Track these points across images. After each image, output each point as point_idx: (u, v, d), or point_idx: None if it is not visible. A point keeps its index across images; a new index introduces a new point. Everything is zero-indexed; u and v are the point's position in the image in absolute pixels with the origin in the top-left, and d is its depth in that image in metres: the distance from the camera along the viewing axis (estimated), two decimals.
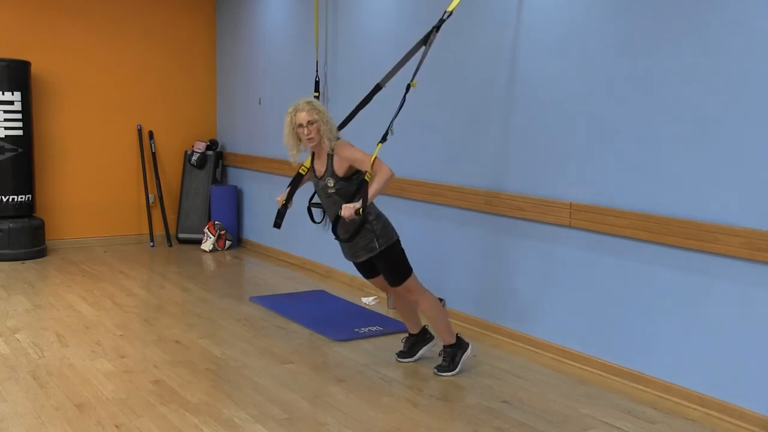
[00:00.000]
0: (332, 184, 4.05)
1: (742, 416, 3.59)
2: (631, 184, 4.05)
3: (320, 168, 4.13)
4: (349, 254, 4.24)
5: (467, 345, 4.32)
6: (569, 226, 4.40)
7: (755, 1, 3.46)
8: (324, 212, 6.51)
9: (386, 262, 4.16)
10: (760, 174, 3.47)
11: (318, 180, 4.15)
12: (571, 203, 4.37)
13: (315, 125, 4.01)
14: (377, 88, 4.37)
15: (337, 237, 4.15)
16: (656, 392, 3.96)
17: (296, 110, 4.04)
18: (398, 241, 4.18)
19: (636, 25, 3.99)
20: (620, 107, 4.09)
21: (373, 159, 3.95)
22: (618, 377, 4.16)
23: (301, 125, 4.02)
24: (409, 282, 4.19)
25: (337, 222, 4.08)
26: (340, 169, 4.04)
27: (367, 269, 4.31)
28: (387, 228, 4.15)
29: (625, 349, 4.14)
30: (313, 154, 4.20)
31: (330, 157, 4.05)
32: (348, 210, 3.90)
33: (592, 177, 4.26)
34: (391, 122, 4.14)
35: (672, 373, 3.90)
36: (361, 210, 3.89)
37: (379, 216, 4.15)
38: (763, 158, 3.46)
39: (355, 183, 4.05)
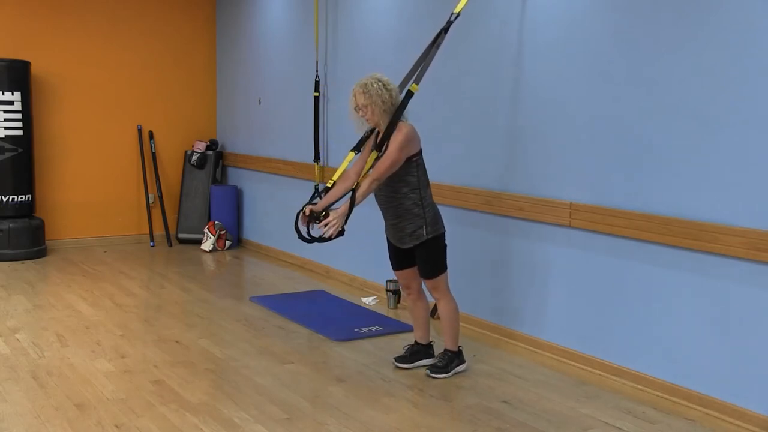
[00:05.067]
0: None
1: (742, 416, 3.59)
2: (631, 184, 4.05)
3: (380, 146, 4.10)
4: (395, 240, 4.20)
5: (464, 361, 4.31)
6: (569, 226, 4.40)
7: (757, 1, 3.46)
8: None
9: (427, 251, 4.13)
10: (760, 174, 3.47)
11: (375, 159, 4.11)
12: (571, 203, 4.37)
13: (368, 108, 4.02)
14: None
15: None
16: (656, 392, 3.96)
17: (354, 90, 4.06)
18: (444, 234, 4.17)
19: (637, 25, 3.99)
20: (620, 107, 4.08)
21: (365, 172, 3.95)
22: (618, 377, 4.16)
23: (357, 106, 4.05)
24: (439, 279, 4.17)
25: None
26: None
27: (402, 259, 4.26)
28: (437, 218, 4.15)
29: (625, 349, 4.14)
30: (375, 132, 4.18)
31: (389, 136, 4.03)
32: (339, 218, 3.87)
33: (592, 177, 4.26)
34: (387, 137, 4.06)
35: (672, 373, 3.90)
36: (346, 217, 3.89)
37: (432, 204, 4.14)
38: (764, 158, 3.46)
39: (414, 164, 4.04)
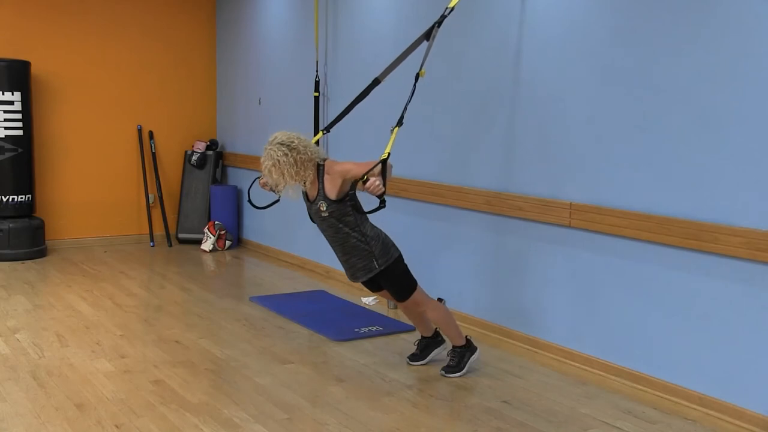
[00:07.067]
0: (325, 208, 3.99)
1: (742, 416, 3.59)
2: (631, 184, 4.05)
3: (312, 192, 4.06)
4: (349, 275, 4.21)
5: (476, 348, 4.31)
6: (569, 226, 4.40)
7: (757, 1, 3.46)
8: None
9: (389, 280, 4.14)
10: (760, 174, 3.47)
11: (311, 204, 4.08)
12: (571, 203, 4.37)
13: (282, 177, 3.93)
14: (375, 82, 4.35)
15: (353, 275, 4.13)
16: (656, 392, 3.96)
17: (263, 164, 3.97)
18: (399, 257, 4.12)
19: (637, 25, 3.99)
20: (620, 107, 4.08)
21: (389, 146, 3.86)
22: (618, 377, 4.16)
23: (273, 175, 3.97)
24: (415, 296, 4.16)
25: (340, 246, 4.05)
26: (332, 190, 3.97)
27: (371, 286, 4.29)
28: (386, 246, 4.10)
29: (625, 349, 4.14)
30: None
31: (320, 180, 4.01)
32: (377, 187, 3.73)
33: (592, 177, 4.26)
34: (404, 111, 4.06)
35: (672, 373, 3.90)
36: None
37: (378, 236, 4.09)
38: (763, 158, 3.46)
39: (348, 204, 4.01)
